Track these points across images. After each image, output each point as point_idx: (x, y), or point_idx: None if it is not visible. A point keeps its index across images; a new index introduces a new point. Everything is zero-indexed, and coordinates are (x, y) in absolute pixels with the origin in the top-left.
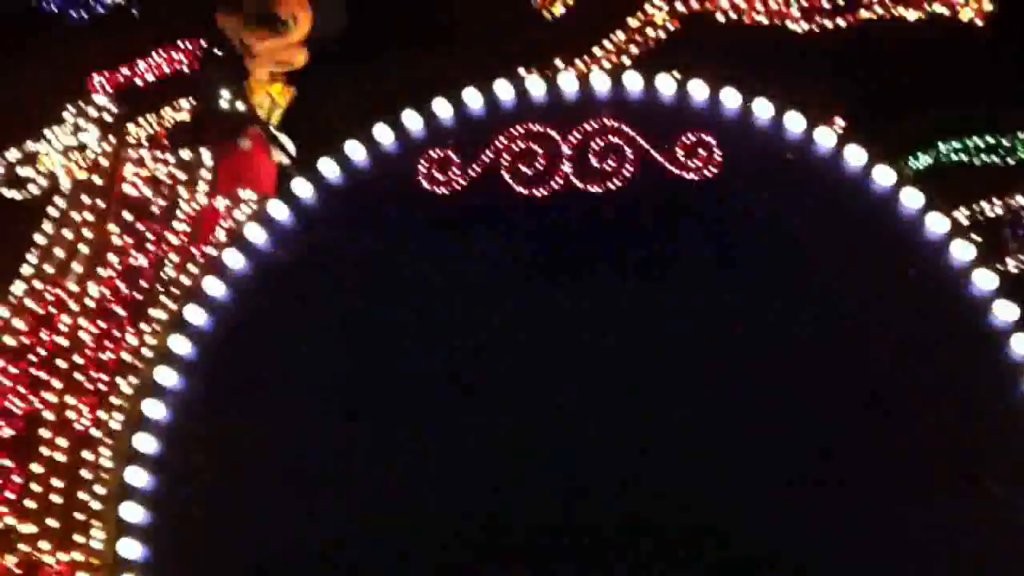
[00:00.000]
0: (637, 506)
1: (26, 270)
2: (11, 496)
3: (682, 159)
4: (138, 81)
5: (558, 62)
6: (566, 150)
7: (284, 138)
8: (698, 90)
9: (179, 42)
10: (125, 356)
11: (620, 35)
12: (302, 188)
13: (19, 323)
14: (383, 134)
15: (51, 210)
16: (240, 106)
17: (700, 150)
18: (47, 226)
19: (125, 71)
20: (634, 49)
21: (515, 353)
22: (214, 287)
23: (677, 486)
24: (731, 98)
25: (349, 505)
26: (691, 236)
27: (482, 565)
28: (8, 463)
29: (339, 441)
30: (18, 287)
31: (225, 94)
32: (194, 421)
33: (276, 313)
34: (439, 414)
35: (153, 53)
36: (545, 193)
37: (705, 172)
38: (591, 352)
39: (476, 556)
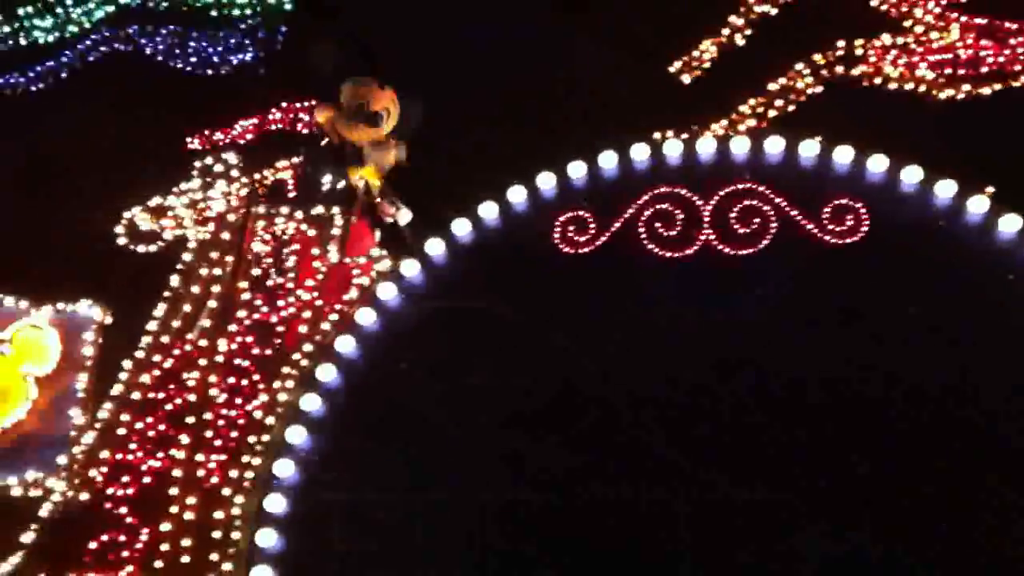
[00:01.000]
0: None
1: (152, 325)
2: (138, 556)
3: (828, 224)
4: (257, 136)
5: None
6: (706, 213)
7: (400, 207)
8: (844, 155)
9: (299, 103)
10: (256, 413)
11: (759, 99)
12: (435, 248)
13: (145, 378)
14: (517, 195)
15: (179, 265)
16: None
17: (847, 215)
18: (174, 280)
19: (248, 127)
20: (772, 112)
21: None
22: (346, 345)
23: None
24: (878, 164)
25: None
26: (838, 301)
27: None
28: (133, 520)
29: (469, 506)
30: (144, 341)
31: (325, 177)
32: (325, 481)
33: (408, 373)
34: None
35: (276, 111)
36: (685, 255)
37: (852, 238)
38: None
39: None
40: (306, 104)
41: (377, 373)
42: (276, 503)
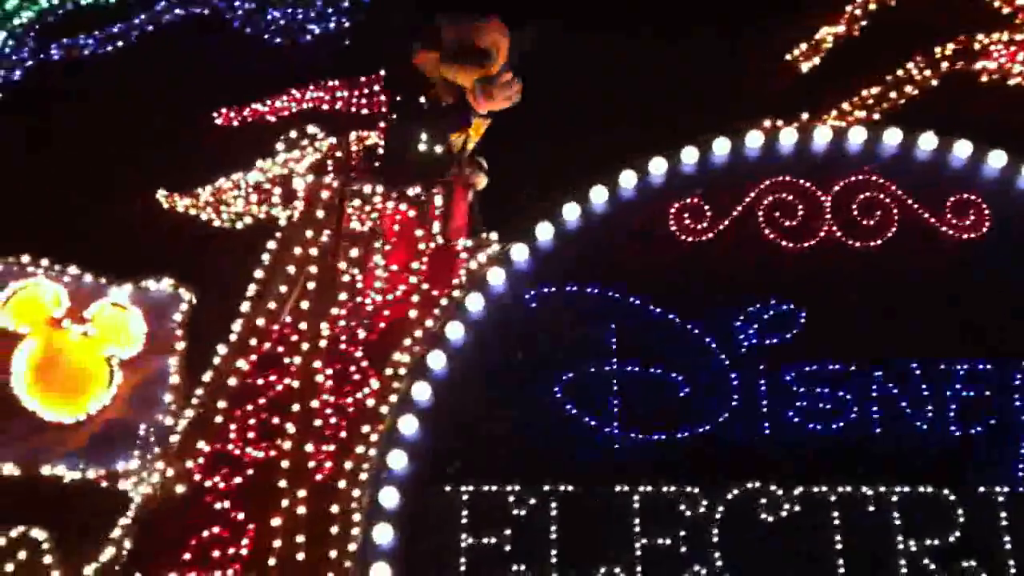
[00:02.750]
0: None
1: (245, 306)
2: (244, 553)
3: (949, 218)
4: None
5: (804, 116)
6: (827, 203)
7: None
8: (963, 149)
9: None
10: (368, 402)
11: (873, 90)
12: (543, 232)
13: (242, 363)
14: (628, 180)
15: (269, 243)
16: (437, 148)
17: (968, 210)
18: (265, 259)
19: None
20: (885, 105)
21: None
22: (455, 331)
23: None
24: (998, 159)
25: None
26: (961, 295)
27: None
28: (240, 515)
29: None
30: (237, 324)
31: (423, 136)
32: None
33: (520, 363)
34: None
35: (365, 86)
36: (808, 245)
37: (973, 232)
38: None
39: None
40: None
41: (488, 361)
42: (390, 497)
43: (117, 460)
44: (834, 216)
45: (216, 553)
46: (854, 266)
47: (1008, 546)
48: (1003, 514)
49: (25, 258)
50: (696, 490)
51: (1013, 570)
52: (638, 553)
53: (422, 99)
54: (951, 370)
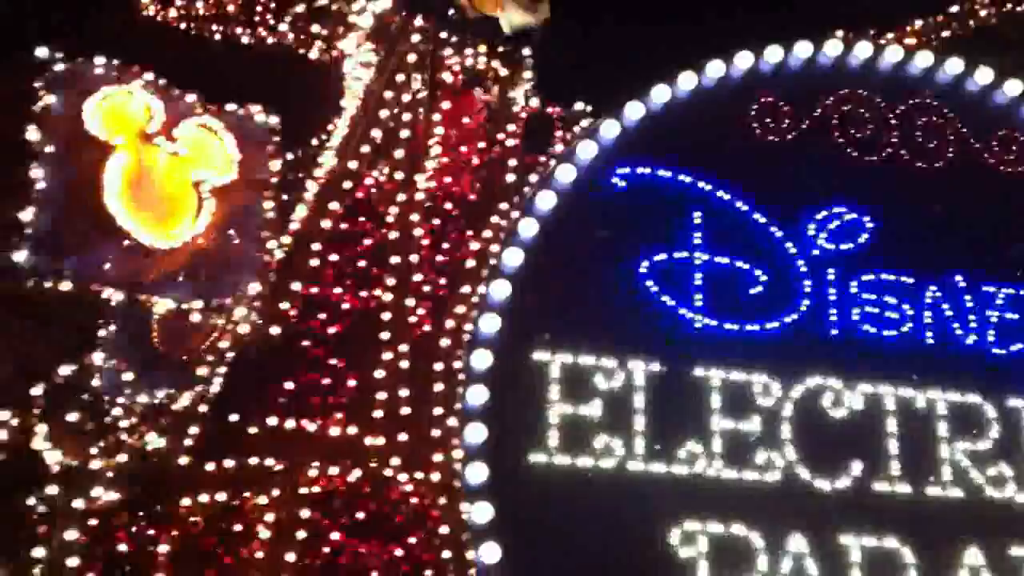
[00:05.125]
0: None
1: (334, 141)
2: (345, 401)
3: (996, 150)
4: None
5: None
6: (893, 121)
7: None
8: (1014, 88)
9: None
10: (468, 262)
11: (939, 18)
12: (633, 110)
13: (335, 205)
14: (716, 69)
15: (353, 85)
16: None
17: (1012, 146)
18: (351, 100)
19: None
20: (947, 34)
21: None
22: (545, 200)
23: None
24: None
25: None
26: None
27: None
28: (339, 363)
29: None
30: (325, 160)
31: None
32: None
33: (606, 239)
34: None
35: None
36: (876, 159)
37: (1016, 168)
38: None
39: None
40: None
41: (576, 234)
42: (483, 359)
43: (211, 292)
44: (899, 134)
45: (315, 399)
46: (915, 185)
47: None
48: None
49: (117, 62)
50: (771, 380)
51: None
52: (715, 432)
53: None
54: (992, 293)
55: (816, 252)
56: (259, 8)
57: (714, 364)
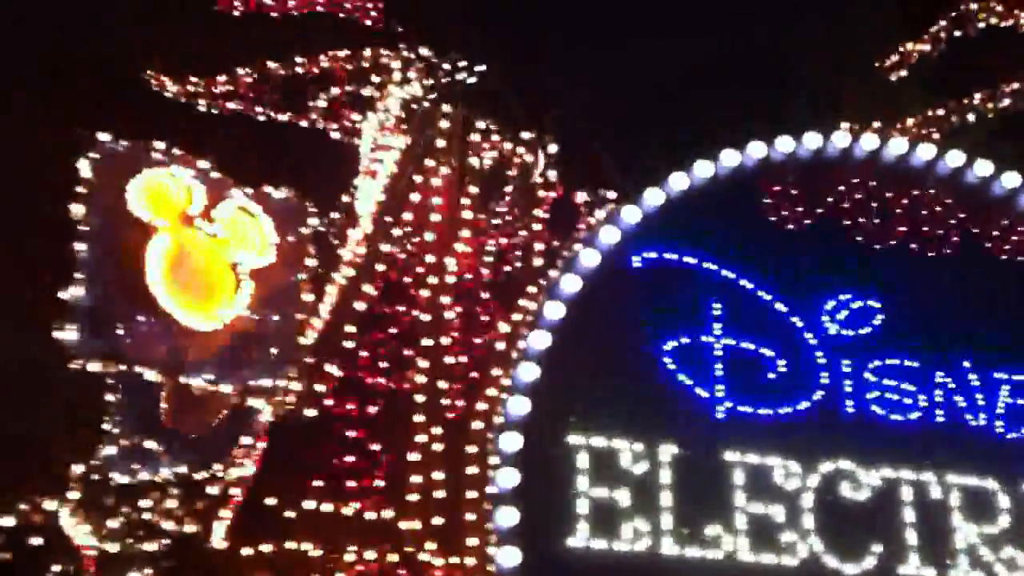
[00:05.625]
0: None
1: (366, 227)
2: (381, 485)
3: (998, 239)
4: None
5: (876, 124)
6: (900, 210)
7: None
8: (1012, 180)
9: None
10: (498, 344)
11: (939, 112)
12: (653, 196)
13: (369, 288)
14: (730, 158)
15: (376, 166)
16: None
17: (1013, 236)
18: (377, 183)
19: None
20: (947, 126)
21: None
22: (570, 283)
23: None
24: None
25: None
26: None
27: None
28: (374, 446)
29: None
30: (354, 244)
31: None
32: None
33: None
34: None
35: None
36: (884, 247)
37: (1016, 255)
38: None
39: None
40: None
41: (600, 317)
42: (513, 442)
43: (248, 374)
44: (905, 223)
45: (351, 483)
46: (921, 272)
47: None
48: None
49: (159, 144)
50: (792, 464)
51: None
52: (739, 515)
53: None
54: (1000, 379)
55: (830, 338)
56: (290, 90)
57: (737, 449)
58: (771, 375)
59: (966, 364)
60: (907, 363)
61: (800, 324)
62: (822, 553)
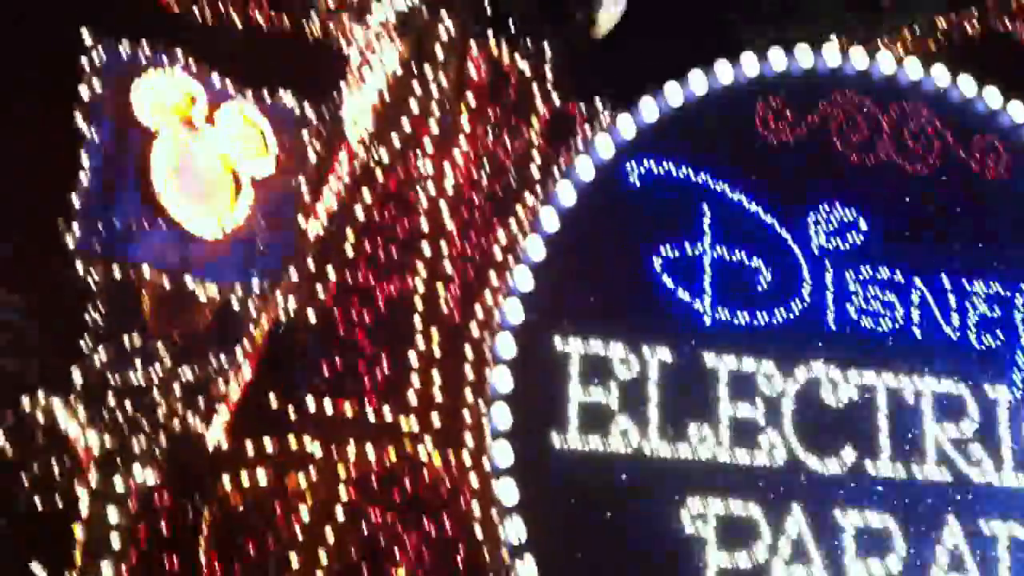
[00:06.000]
0: None
1: (360, 132)
2: (379, 384)
3: (977, 156)
4: None
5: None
6: (885, 126)
7: None
8: (993, 97)
9: None
10: (496, 251)
11: (931, 28)
12: (648, 108)
13: (368, 195)
14: (723, 71)
15: (373, 76)
16: None
17: (993, 153)
18: (375, 92)
19: None
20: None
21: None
22: (566, 193)
23: None
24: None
25: None
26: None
27: None
28: (373, 348)
29: None
30: (355, 149)
31: None
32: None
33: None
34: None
35: None
36: (871, 163)
37: (995, 173)
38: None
39: None
40: None
41: (594, 226)
42: (507, 344)
43: (249, 279)
44: (891, 138)
45: (352, 383)
46: (905, 187)
47: (1008, 442)
48: (1003, 412)
49: (160, 48)
50: (774, 370)
51: (1011, 461)
52: (723, 418)
53: None
54: (974, 291)
55: (816, 250)
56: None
57: (722, 355)
58: (758, 285)
59: (943, 276)
60: (887, 274)
61: (787, 235)
62: (800, 453)
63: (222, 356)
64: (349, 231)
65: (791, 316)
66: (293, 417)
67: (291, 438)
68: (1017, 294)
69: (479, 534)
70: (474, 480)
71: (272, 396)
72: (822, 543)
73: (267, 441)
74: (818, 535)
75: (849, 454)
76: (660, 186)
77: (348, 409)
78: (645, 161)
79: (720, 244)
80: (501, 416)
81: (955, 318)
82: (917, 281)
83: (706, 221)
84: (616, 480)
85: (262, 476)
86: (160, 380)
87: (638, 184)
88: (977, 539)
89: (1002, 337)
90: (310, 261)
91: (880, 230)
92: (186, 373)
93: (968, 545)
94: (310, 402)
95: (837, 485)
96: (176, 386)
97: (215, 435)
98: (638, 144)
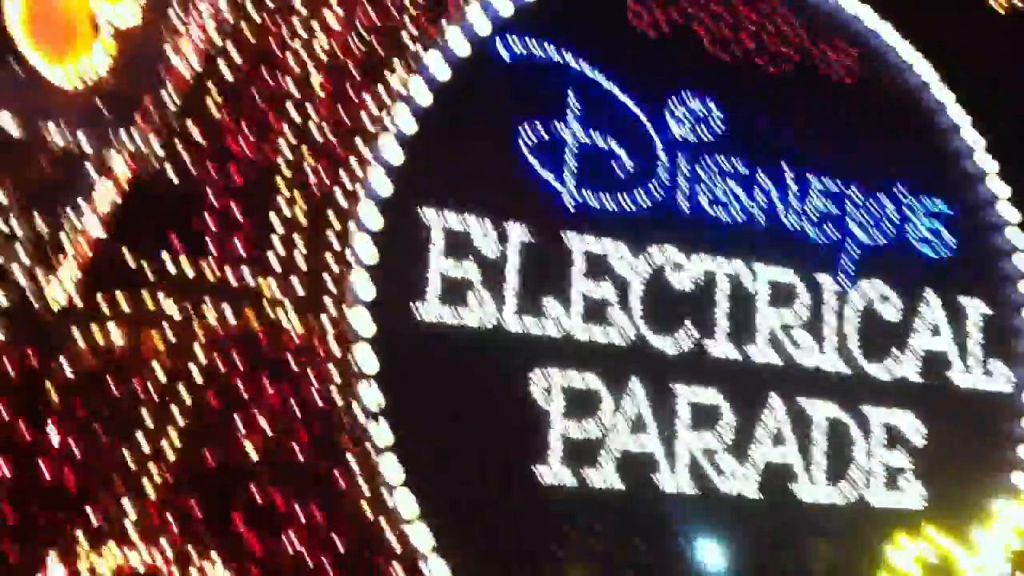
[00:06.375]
0: None
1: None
2: (241, 249)
3: (830, 59)
4: None
5: None
6: (748, 24)
7: None
8: (849, 3)
9: None
10: (364, 118)
11: None
12: None
13: (237, 56)
14: None
15: None
16: None
17: (843, 56)
18: None
19: None
20: None
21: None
22: (437, 66)
23: None
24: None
25: None
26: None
27: None
28: (238, 213)
29: None
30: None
31: None
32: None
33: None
34: None
35: None
36: (731, 59)
37: (844, 76)
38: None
39: None
40: None
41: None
42: (371, 214)
43: (109, 132)
44: (753, 37)
45: (211, 243)
46: (761, 84)
47: (832, 329)
48: (830, 302)
49: None
50: (627, 252)
51: (833, 347)
52: (576, 297)
53: None
54: (812, 186)
55: (672, 139)
56: None
57: (580, 235)
58: (617, 169)
59: (785, 171)
60: (735, 166)
61: (647, 123)
62: (644, 332)
63: (74, 209)
64: (214, 90)
65: (646, 201)
66: (150, 276)
67: (146, 296)
68: (850, 191)
69: (337, 400)
70: (334, 347)
71: (128, 253)
72: (658, 416)
73: (121, 298)
74: (655, 409)
75: (689, 334)
76: (531, 66)
77: (207, 270)
78: (518, 40)
79: (584, 127)
80: (363, 285)
81: (793, 211)
82: (762, 174)
83: (572, 104)
84: (472, 352)
85: (116, 334)
86: (6, 233)
87: (510, 62)
88: (797, 418)
89: (834, 231)
90: (172, 119)
91: (732, 124)
92: (35, 225)
93: (789, 423)
94: (168, 261)
95: (676, 363)
96: (24, 238)
97: (66, 290)
98: (513, 22)
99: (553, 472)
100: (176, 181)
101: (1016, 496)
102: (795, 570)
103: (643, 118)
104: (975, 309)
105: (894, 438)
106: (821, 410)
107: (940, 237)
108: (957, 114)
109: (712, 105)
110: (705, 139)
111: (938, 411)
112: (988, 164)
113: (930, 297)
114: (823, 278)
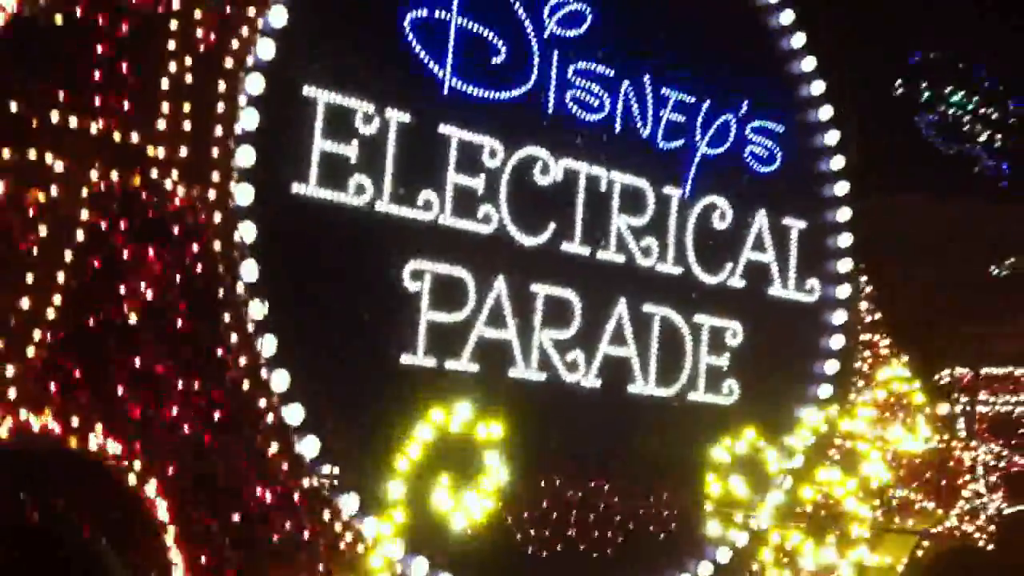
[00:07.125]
0: None
1: None
2: (129, 107)
3: None
4: None
5: None
6: None
7: None
8: None
9: None
10: None
11: None
12: None
13: None
14: None
15: None
16: None
17: None
18: None
19: None
20: None
21: None
22: None
23: None
24: None
25: None
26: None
27: None
28: (122, 65)
29: None
30: None
31: None
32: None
33: None
34: None
35: None
36: None
37: None
38: None
39: None
40: None
41: None
42: (257, 84)
43: None
44: None
45: (99, 100)
46: None
47: (673, 236)
48: (674, 210)
49: None
50: (498, 145)
51: (673, 253)
52: (448, 185)
53: None
54: (668, 96)
55: (547, 36)
56: None
57: (455, 124)
58: (494, 60)
59: (645, 79)
60: (601, 69)
61: (525, 17)
62: (509, 226)
63: None
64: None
65: (518, 96)
66: (35, 129)
67: (31, 151)
68: (703, 105)
69: (220, 270)
70: (217, 217)
71: (13, 103)
72: (516, 310)
73: (4, 151)
74: (515, 301)
75: (549, 232)
76: None
77: (93, 128)
78: None
79: (465, 14)
80: (245, 155)
81: (649, 120)
82: (624, 80)
83: None
84: (348, 232)
85: None
86: None
87: None
88: (637, 319)
89: (683, 142)
90: None
91: (603, 27)
92: None
93: (630, 323)
94: (54, 115)
95: (535, 259)
96: None
97: None
98: None
99: (416, 355)
100: (62, 24)
101: (818, 405)
102: (627, 456)
103: (521, 11)
104: (796, 228)
105: (718, 343)
106: (657, 312)
107: (773, 157)
108: (798, 39)
109: (585, 5)
110: (575, 40)
111: (758, 321)
112: (819, 89)
113: (759, 213)
114: (670, 187)
